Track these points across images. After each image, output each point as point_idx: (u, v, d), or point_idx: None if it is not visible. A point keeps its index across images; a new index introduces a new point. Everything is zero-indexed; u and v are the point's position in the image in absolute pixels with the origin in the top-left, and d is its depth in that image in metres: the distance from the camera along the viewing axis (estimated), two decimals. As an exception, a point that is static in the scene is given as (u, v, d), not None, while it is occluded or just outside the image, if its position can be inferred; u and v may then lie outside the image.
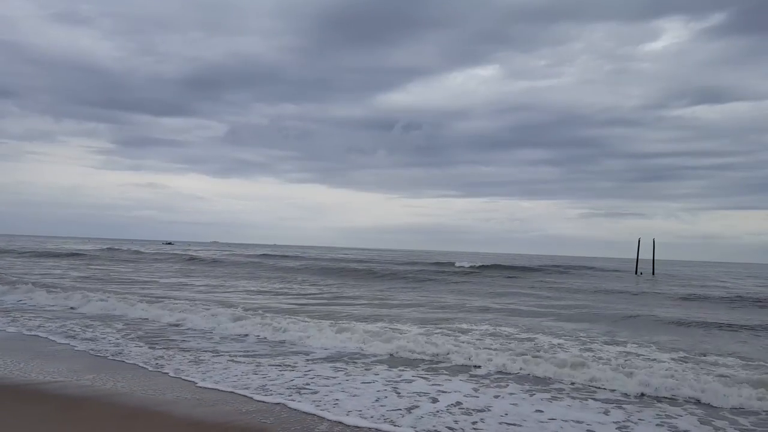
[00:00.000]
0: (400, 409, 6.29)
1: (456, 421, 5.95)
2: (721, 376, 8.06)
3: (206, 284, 24.16)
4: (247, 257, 49.67)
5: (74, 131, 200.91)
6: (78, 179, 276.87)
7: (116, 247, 62.83)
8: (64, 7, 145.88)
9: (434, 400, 6.72)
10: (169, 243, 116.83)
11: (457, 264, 42.83)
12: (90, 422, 5.66)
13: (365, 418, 5.92)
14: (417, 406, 6.42)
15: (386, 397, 6.80)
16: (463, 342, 10.27)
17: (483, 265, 41.08)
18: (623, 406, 6.81)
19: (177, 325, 12.17)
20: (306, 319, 12.80)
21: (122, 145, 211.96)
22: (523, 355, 9.14)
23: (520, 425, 5.92)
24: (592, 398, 7.11)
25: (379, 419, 5.92)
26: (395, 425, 5.76)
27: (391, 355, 9.54)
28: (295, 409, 6.18)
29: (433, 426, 5.77)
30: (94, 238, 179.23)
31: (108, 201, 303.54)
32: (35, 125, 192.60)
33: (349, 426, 5.71)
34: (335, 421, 5.82)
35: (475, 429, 5.75)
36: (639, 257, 44.96)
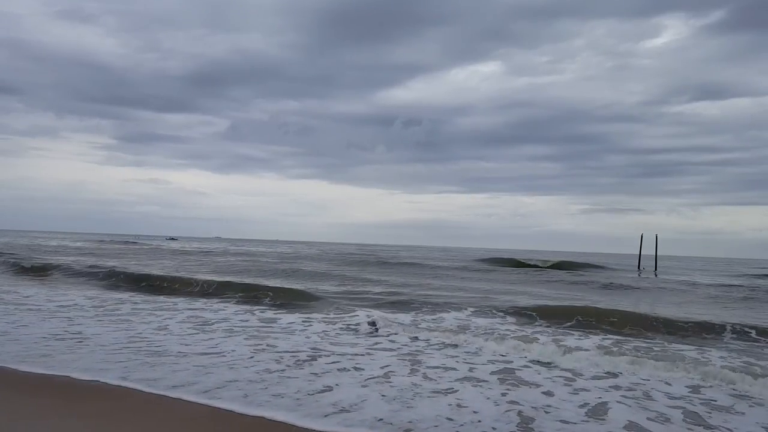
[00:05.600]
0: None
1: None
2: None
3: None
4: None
5: (77, 127, 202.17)
6: (81, 175, 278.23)
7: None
8: (69, 5, 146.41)
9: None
10: (173, 238, 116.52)
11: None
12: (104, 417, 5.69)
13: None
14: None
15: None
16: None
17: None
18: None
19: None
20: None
21: (125, 141, 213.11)
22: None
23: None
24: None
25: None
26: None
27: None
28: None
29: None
30: (96, 233, 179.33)
31: (110, 196, 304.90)
32: (38, 121, 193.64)
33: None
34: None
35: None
36: (641, 253, 43.85)
